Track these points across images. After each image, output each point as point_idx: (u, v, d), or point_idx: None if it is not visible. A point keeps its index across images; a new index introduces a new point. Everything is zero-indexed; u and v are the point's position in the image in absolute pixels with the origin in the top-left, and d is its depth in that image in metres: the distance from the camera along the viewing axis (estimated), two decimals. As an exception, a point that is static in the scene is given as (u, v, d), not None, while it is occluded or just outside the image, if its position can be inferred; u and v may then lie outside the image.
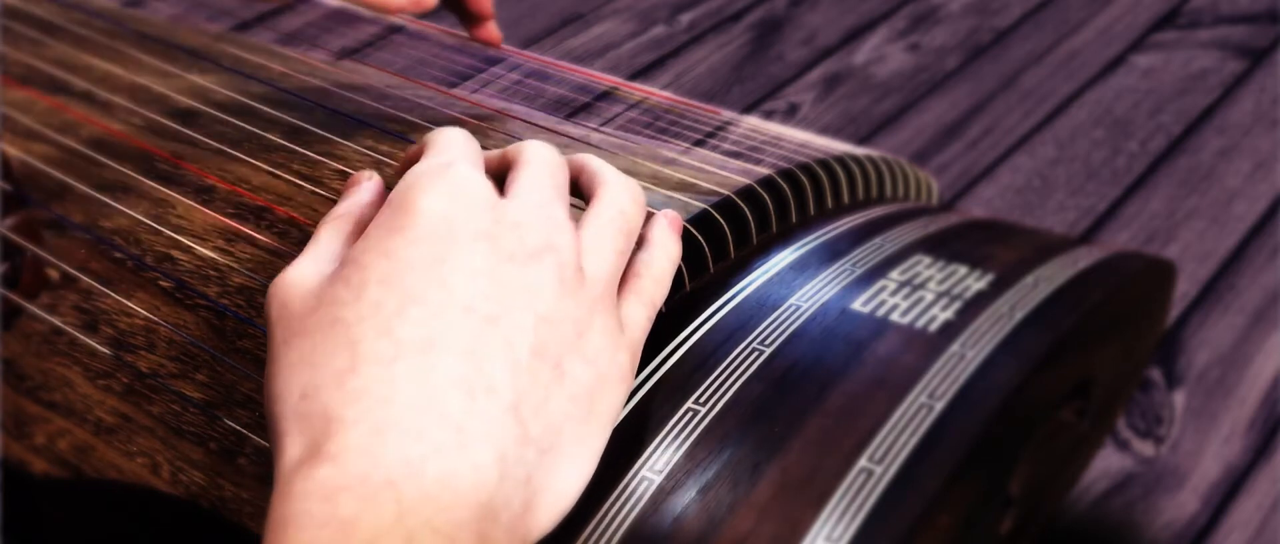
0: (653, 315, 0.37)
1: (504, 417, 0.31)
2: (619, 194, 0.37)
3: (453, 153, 0.36)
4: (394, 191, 0.34)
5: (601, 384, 0.34)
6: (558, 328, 0.33)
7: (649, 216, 0.39)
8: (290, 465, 0.30)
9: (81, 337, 0.43)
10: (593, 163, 0.38)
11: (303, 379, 0.31)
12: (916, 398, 0.36)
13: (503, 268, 0.32)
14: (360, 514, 0.29)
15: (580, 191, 0.38)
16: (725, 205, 0.43)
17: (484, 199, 0.33)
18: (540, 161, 0.36)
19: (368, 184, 0.38)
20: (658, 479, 0.35)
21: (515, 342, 0.32)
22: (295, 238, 0.43)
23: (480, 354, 0.31)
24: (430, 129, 0.49)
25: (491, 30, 0.58)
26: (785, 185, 0.45)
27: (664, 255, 0.38)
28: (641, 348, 0.36)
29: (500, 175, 0.37)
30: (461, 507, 0.30)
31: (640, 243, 0.38)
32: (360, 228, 0.36)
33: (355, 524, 0.28)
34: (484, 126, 0.50)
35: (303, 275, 0.34)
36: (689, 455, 0.35)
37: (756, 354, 0.38)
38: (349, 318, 0.32)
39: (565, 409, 0.33)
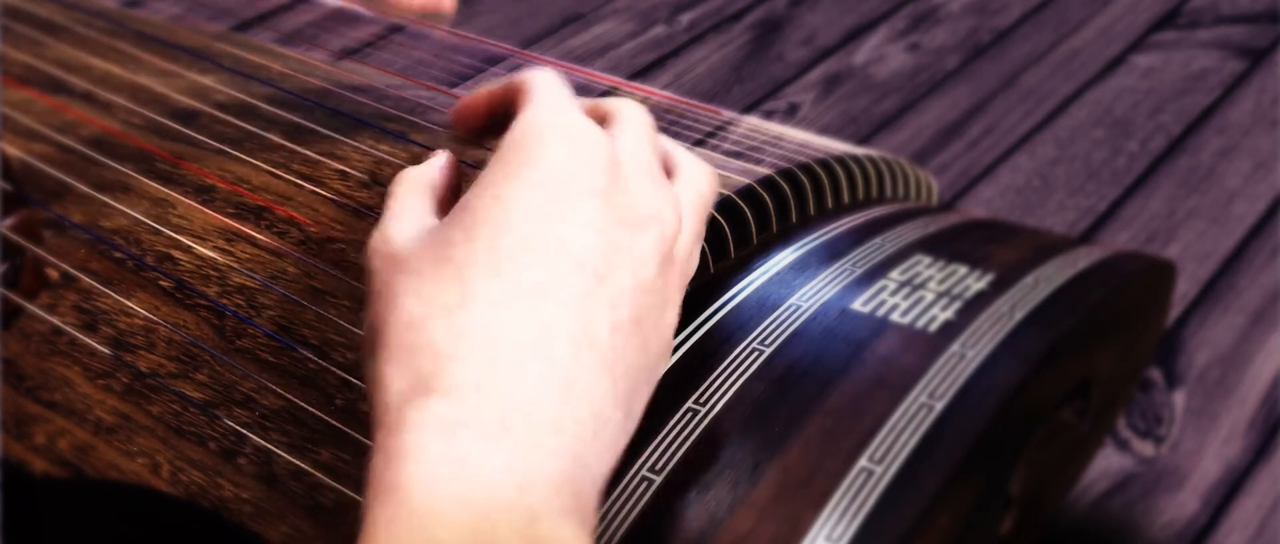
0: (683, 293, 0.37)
1: (602, 374, 0.31)
2: (701, 179, 0.37)
3: (566, 101, 0.35)
4: (511, 137, 0.33)
5: (663, 360, 0.34)
6: (650, 298, 0.33)
7: None
8: (397, 396, 0.30)
9: (81, 336, 0.43)
10: (664, 141, 0.38)
11: (408, 310, 0.31)
12: (916, 398, 0.36)
13: (614, 230, 0.32)
14: (476, 454, 0.28)
15: None
16: (725, 205, 0.43)
17: (605, 157, 0.33)
18: (643, 125, 0.36)
19: (443, 154, 0.38)
20: (658, 479, 0.35)
21: (618, 303, 0.32)
22: (295, 238, 0.43)
23: (587, 309, 0.31)
24: (430, 129, 0.49)
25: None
26: (785, 185, 0.45)
27: (691, 235, 0.38)
28: None
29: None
30: (566, 457, 0.29)
31: None
32: (435, 191, 0.36)
33: (471, 464, 0.28)
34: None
35: (401, 228, 0.33)
36: (689, 455, 0.35)
37: (756, 354, 0.38)
38: (459, 257, 0.31)
39: (643, 377, 0.33)
